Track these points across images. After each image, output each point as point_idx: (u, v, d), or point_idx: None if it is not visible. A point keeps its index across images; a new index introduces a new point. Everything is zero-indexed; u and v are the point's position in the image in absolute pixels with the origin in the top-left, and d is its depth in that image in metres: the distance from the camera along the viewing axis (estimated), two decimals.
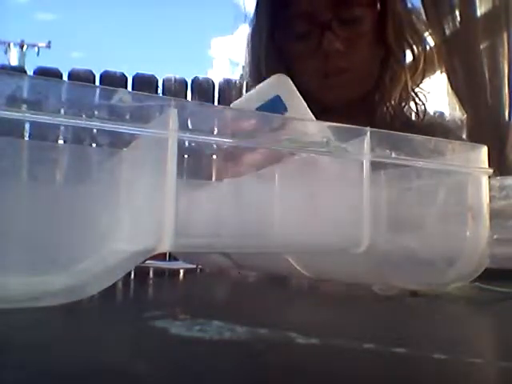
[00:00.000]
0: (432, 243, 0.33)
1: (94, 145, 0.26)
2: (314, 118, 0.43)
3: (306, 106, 0.45)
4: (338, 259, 0.34)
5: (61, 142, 0.26)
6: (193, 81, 1.92)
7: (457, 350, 0.19)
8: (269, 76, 0.48)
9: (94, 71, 1.82)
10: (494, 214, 0.34)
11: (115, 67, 1.93)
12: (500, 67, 1.01)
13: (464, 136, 0.93)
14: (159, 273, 0.51)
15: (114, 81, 1.78)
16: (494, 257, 0.33)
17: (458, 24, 0.98)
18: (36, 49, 9.25)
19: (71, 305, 0.23)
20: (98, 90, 0.25)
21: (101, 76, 1.81)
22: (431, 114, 0.93)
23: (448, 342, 0.20)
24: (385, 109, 0.78)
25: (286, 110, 0.44)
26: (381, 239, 0.31)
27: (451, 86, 0.99)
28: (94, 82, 1.77)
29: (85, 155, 0.27)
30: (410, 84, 0.76)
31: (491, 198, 0.35)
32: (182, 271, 0.54)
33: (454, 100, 1.00)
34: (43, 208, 0.26)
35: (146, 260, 0.27)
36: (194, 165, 0.37)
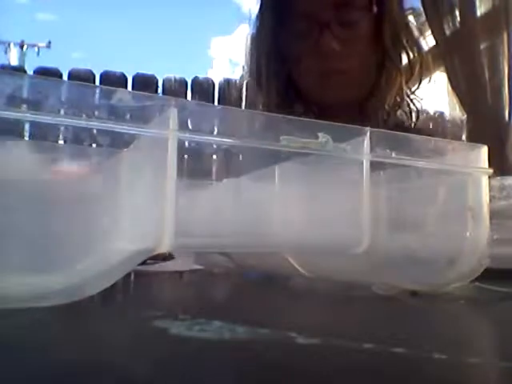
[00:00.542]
0: (432, 243, 0.33)
1: (94, 145, 0.26)
2: None
3: None
4: (337, 259, 0.34)
5: (61, 142, 0.26)
6: (193, 81, 1.92)
7: (457, 350, 0.19)
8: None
9: (94, 71, 1.82)
10: (494, 214, 0.34)
11: (115, 67, 1.94)
12: (500, 67, 1.01)
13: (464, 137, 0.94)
14: (159, 273, 0.51)
15: (113, 81, 1.79)
16: (494, 257, 0.33)
17: (457, 24, 0.98)
18: (36, 49, 9.24)
19: (71, 305, 0.23)
20: (97, 90, 0.25)
21: (101, 76, 1.81)
22: (431, 114, 0.93)
23: (448, 342, 0.20)
24: (379, 111, 0.78)
25: None
26: (381, 239, 0.31)
27: (451, 85, 0.99)
28: (94, 82, 1.77)
29: (85, 155, 0.27)
30: (405, 88, 0.77)
31: (491, 198, 0.35)
32: (181, 271, 0.54)
33: (454, 100, 1.00)
34: (43, 208, 0.26)
35: (145, 260, 0.27)
36: (194, 165, 0.37)
